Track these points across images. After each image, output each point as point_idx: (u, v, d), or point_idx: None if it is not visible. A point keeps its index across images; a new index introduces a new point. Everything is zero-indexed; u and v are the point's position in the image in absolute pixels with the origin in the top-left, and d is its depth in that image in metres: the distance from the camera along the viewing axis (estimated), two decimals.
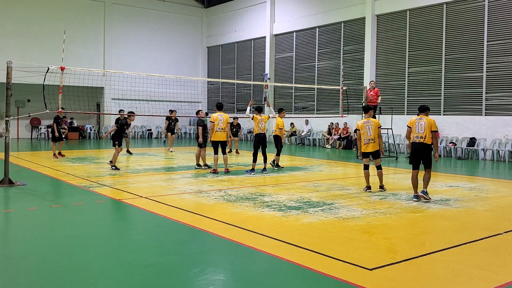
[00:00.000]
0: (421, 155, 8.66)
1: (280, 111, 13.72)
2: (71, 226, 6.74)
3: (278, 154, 13.33)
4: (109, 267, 4.99)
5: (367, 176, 9.70)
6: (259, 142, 12.53)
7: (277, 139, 13.27)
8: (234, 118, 19.27)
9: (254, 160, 12.41)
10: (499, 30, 17.57)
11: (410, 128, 8.82)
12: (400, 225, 6.89)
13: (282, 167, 13.40)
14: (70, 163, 14.31)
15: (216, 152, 12.25)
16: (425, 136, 8.56)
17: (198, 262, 5.13)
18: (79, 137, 27.57)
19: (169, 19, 30.78)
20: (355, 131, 21.60)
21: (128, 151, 17.25)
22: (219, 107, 12.33)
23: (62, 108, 16.05)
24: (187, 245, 5.88)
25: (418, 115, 8.93)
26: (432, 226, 6.97)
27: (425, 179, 8.77)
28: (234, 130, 18.54)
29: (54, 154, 15.59)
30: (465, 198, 9.12)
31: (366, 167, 9.71)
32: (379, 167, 9.71)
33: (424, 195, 8.68)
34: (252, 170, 12.24)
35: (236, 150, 18.33)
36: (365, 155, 9.77)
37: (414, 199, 8.64)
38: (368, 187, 9.64)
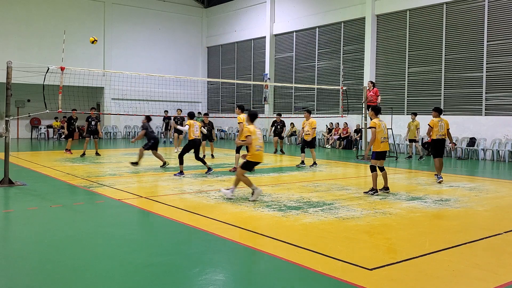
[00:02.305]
0: (442, 147, 11.38)
1: (310, 112, 14.46)
2: (71, 226, 6.74)
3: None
4: (109, 267, 4.99)
5: (375, 178, 9.34)
6: (192, 146, 12.11)
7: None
8: (278, 115, 19.49)
9: (181, 163, 11.83)
10: (499, 30, 17.57)
11: (432, 128, 11.21)
12: (400, 225, 6.89)
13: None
14: (70, 163, 14.31)
15: (238, 151, 12.57)
16: (445, 133, 11.27)
17: (198, 262, 5.13)
18: (79, 137, 27.55)
19: (169, 19, 30.79)
20: (355, 131, 21.83)
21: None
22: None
23: (74, 110, 16.38)
24: (187, 245, 5.88)
25: (435, 116, 11.34)
26: (432, 226, 6.97)
27: (439, 167, 11.25)
28: (279, 127, 18.77)
29: (66, 149, 16.85)
30: (465, 198, 9.12)
31: (375, 169, 9.42)
32: (382, 168, 9.63)
33: (440, 179, 11.08)
34: (181, 172, 11.74)
35: (281, 149, 18.66)
36: (381, 155, 9.49)
37: (440, 180, 11.07)
38: (376, 191, 9.30)
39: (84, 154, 16.38)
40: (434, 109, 11.52)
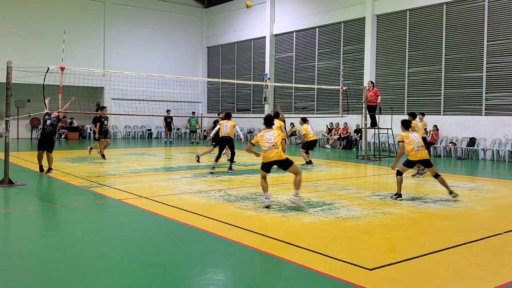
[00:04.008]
0: (427, 146, 12.55)
1: (304, 120, 14.69)
2: (71, 226, 6.74)
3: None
4: (109, 267, 4.99)
5: (400, 182, 9.02)
6: (224, 143, 12.75)
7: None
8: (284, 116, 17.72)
9: (217, 160, 12.59)
10: (499, 30, 17.57)
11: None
12: (400, 225, 6.88)
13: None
14: (70, 163, 14.31)
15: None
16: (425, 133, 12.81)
17: (198, 262, 5.13)
18: (79, 137, 27.60)
19: (169, 19, 30.79)
20: (355, 131, 21.82)
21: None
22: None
23: (103, 107, 16.06)
24: (187, 245, 5.87)
25: (421, 118, 12.94)
26: (432, 226, 6.97)
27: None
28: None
29: (101, 153, 15.45)
30: (465, 198, 9.12)
31: (401, 173, 9.09)
32: (437, 175, 9.12)
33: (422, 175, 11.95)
34: (213, 168, 12.45)
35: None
36: (412, 164, 9.26)
37: (420, 176, 11.80)
38: (400, 195, 8.94)
39: (103, 155, 15.53)
40: (410, 114, 12.22)
